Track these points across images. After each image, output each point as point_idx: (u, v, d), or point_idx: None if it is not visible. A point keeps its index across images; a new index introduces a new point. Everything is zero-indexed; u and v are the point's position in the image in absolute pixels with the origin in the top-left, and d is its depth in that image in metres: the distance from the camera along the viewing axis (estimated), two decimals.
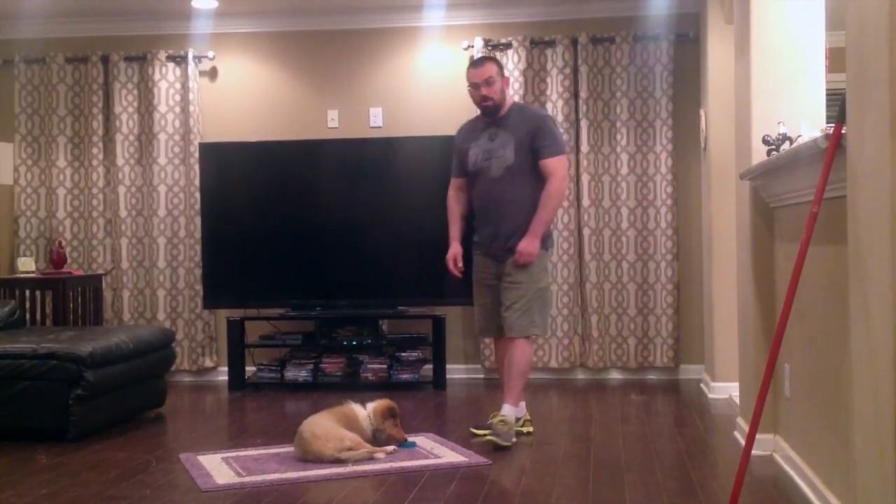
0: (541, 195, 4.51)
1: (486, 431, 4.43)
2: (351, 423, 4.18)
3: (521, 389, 4.59)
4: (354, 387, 6.04)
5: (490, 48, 6.45)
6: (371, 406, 4.30)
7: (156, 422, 5.30)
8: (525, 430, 4.63)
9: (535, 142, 4.53)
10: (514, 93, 6.41)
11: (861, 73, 2.44)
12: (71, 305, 6.23)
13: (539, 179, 4.54)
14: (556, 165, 4.52)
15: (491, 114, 4.65)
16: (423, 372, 6.25)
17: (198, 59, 6.67)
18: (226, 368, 6.42)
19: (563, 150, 4.65)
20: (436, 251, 6.16)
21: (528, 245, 4.48)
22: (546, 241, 4.63)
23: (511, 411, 4.49)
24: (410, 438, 4.44)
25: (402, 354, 6.28)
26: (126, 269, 6.67)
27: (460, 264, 4.78)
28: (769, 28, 4.10)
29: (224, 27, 6.66)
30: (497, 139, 4.60)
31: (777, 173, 3.69)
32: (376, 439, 4.24)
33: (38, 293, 6.30)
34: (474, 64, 4.74)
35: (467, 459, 4.12)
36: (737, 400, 4.90)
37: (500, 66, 4.71)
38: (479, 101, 4.66)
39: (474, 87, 4.63)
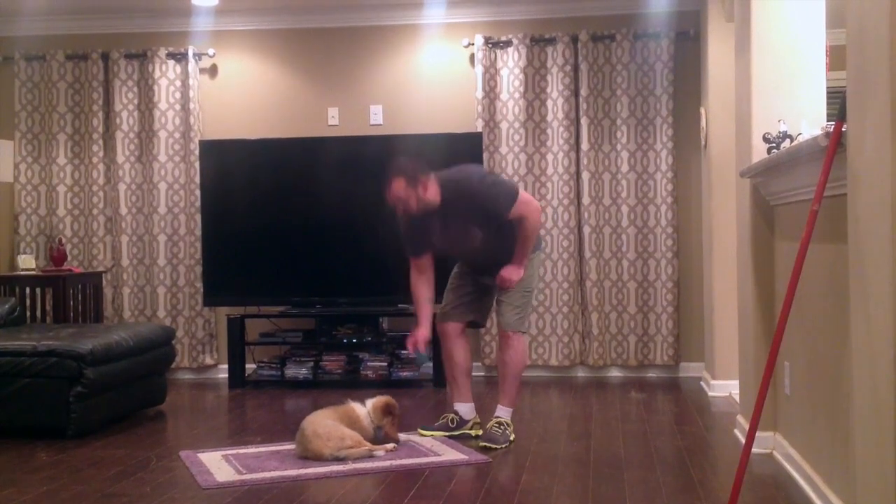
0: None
1: (435, 433, 4.47)
2: (353, 423, 4.18)
3: (518, 388, 4.57)
4: (355, 384, 6.05)
5: (490, 46, 6.45)
6: (370, 403, 4.30)
7: (156, 419, 5.30)
8: (474, 433, 4.55)
9: (489, 212, 4.34)
10: (514, 91, 6.42)
11: (861, 71, 2.44)
12: (71, 303, 6.24)
13: (513, 225, 4.38)
14: (521, 208, 4.34)
15: (424, 211, 4.38)
16: (423, 369, 6.25)
17: (198, 56, 6.67)
18: (226, 366, 6.42)
19: (514, 191, 4.42)
20: None
21: (511, 273, 4.41)
22: (534, 247, 4.54)
23: (507, 413, 4.49)
24: (411, 436, 4.45)
25: (403, 352, 6.27)
26: (126, 266, 6.67)
27: (422, 349, 4.52)
28: (769, 26, 4.09)
29: (224, 24, 6.66)
30: (454, 226, 4.40)
31: (777, 171, 3.69)
32: (377, 437, 4.24)
33: (38, 290, 6.30)
34: (386, 179, 4.35)
35: (467, 457, 4.12)
36: (737, 397, 4.90)
37: (409, 177, 4.30)
38: (399, 213, 4.43)
39: (390, 203, 4.40)
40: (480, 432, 4.53)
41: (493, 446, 4.28)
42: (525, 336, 4.64)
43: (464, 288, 4.61)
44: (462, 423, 4.56)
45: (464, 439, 4.46)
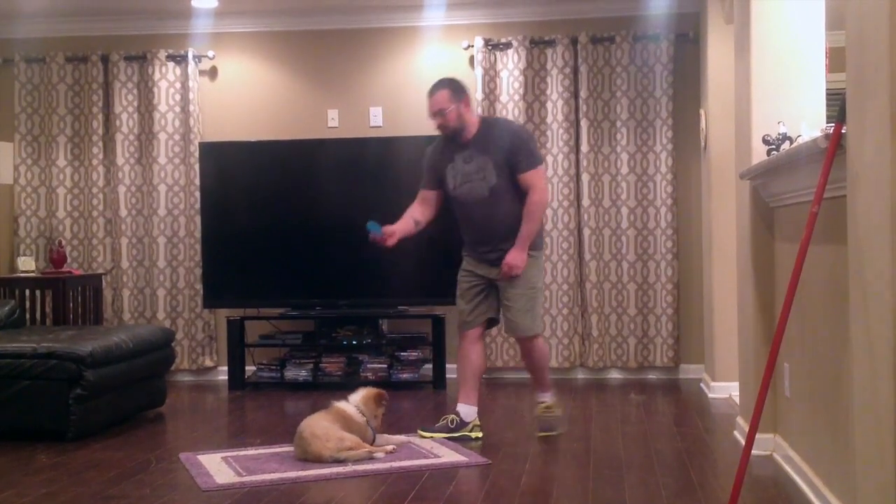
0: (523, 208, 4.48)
1: (435, 434, 4.50)
2: (347, 422, 4.17)
3: (547, 376, 4.77)
4: (354, 386, 5.99)
5: (490, 48, 6.45)
6: (358, 397, 4.26)
7: (156, 421, 5.30)
8: (473, 435, 4.57)
9: (511, 158, 4.46)
10: (513, 93, 6.42)
11: (861, 73, 2.44)
12: (71, 305, 6.23)
13: (521, 192, 4.49)
14: (535, 178, 4.47)
15: (453, 138, 4.57)
16: (423, 371, 6.25)
17: (198, 58, 6.67)
18: (226, 368, 6.42)
19: (540, 160, 4.60)
20: (435, 251, 6.19)
21: (514, 258, 4.46)
22: (535, 245, 4.58)
23: (549, 397, 4.69)
24: (410, 437, 4.46)
25: (402, 354, 6.28)
26: (126, 268, 6.67)
27: (389, 239, 4.57)
28: (769, 28, 4.09)
29: (224, 27, 6.66)
30: (473, 162, 4.51)
31: (777, 173, 3.69)
32: (372, 431, 4.22)
33: (37, 293, 6.30)
34: (429, 92, 4.57)
35: (467, 459, 4.12)
36: (737, 399, 4.90)
37: (454, 90, 4.51)
38: (436, 127, 4.63)
39: (431, 116, 4.58)
40: (480, 434, 4.56)
41: (552, 433, 4.49)
42: (539, 336, 4.68)
43: (473, 290, 4.64)
44: (462, 424, 4.56)
45: (464, 441, 4.46)
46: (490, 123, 4.69)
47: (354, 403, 4.24)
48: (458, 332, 4.71)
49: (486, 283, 4.62)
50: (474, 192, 4.52)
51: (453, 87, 4.53)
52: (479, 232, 4.59)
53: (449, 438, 4.47)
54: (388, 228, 4.57)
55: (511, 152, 4.46)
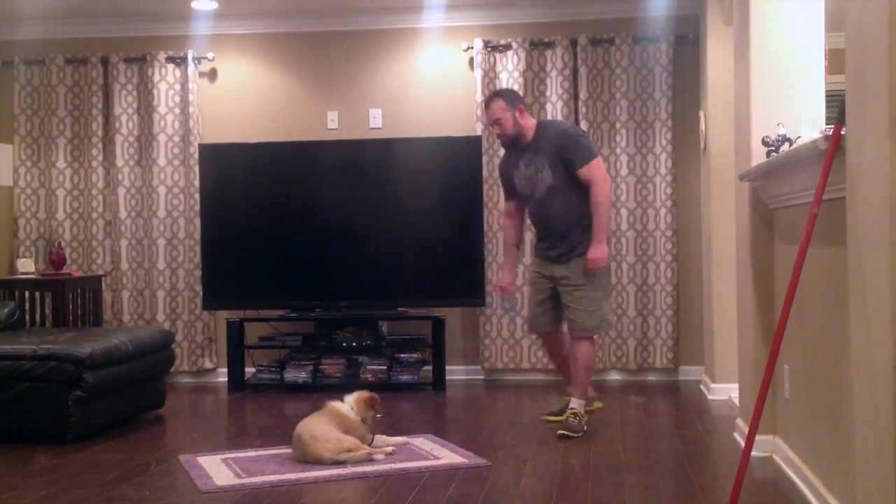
0: (584, 203, 4.67)
1: (559, 418, 4.73)
2: (342, 420, 4.17)
3: (587, 383, 4.81)
4: (354, 388, 6.01)
5: (489, 49, 6.46)
6: (352, 398, 4.27)
7: (155, 423, 5.30)
8: (595, 406, 5.01)
9: (565, 157, 4.67)
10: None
11: (860, 75, 2.44)
12: (70, 307, 6.23)
13: (580, 188, 4.69)
14: (592, 171, 4.67)
15: (513, 145, 4.82)
16: (423, 373, 6.24)
17: (197, 60, 6.67)
18: (225, 370, 6.42)
19: (594, 154, 4.76)
20: (435, 252, 6.20)
21: (596, 251, 4.63)
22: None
23: (579, 405, 4.70)
24: (410, 438, 4.47)
25: (402, 356, 6.28)
26: (125, 270, 6.67)
27: (511, 295, 5.08)
28: (769, 29, 4.09)
29: (224, 28, 6.66)
30: (532, 165, 4.75)
31: (776, 175, 3.69)
32: (367, 432, 4.22)
33: (37, 294, 6.30)
34: (484, 103, 4.82)
35: (467, 461, 4.12)
36: (736, 401, 4.90)
37: (509, 99, 4.75)
38: (496, 136, 4.91)
39: (489, 125, 4.84)
40: (600, 405, 5.08)
41: (572, 434, 4.54)
42: (593, 339, 4.83)
43: (536, 296, 4.88)
44: (581, 417, 4.72)
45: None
46: (543, 126, 4.85)
47: (349, 403, 4.24)
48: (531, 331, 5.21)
49: (550, 291, 4.81)
50: (536, 192, 4.77)
51: (507, 97, 4.77)
52: (541, 230, 4.88)
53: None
54: (507, 284, 5.01)
55: (563, 151, 4.67)
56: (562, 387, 5.20)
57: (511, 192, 4.94)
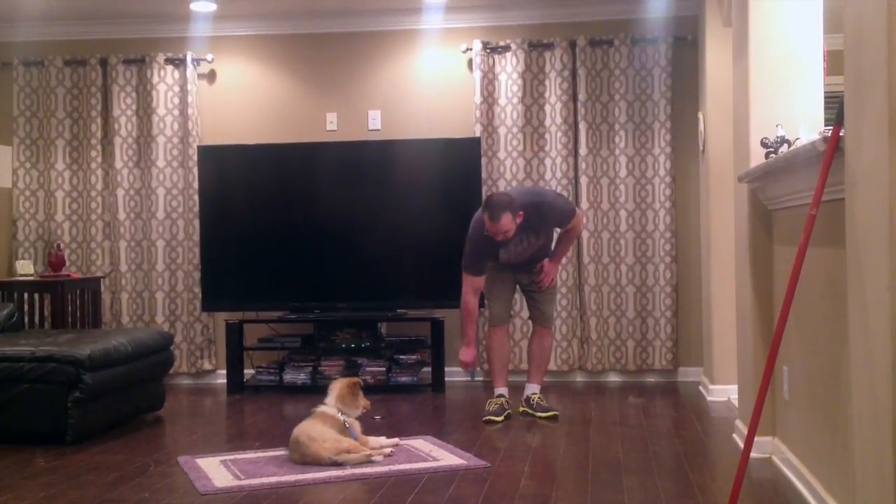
0: (552, 237, 5.28)
1: (547, 414, 5.13)
2: (336, 424, 4.15)
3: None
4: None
5: (488, 51, 6.46)
6: (331, 398, 4.22)
7: (154, 425, 5.30)
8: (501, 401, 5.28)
9: (555, 224, 5.19)
10: (512, 96, 6.43)
11: (859, 76, 2.45)
12: (69, 308, 6.23)
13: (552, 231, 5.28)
14: (576, 221, 5.23)
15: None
16: (422, 375, 6.25)
17: (196, 61, 6.67)
18: (224, 371, 6.42)
19: (573, 207, 5.32)
20: (434, 254, 6.20)
21: (553, 271, 5.30)
22: None
23: (539, 388, 5.30)
24: (409, 441, 4.45)
25: (401, 357, 6.28)
26: (125, 271, 6.66)
27: (475, 365, 5.29)
28: (767, 31, 4.10)
29: (223, 30, 6.67)
30: (524, 242, 5.10)
31: (775, 176, 3.70)
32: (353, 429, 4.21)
33: (36, 296, 6.30)
34: (490, 218, 4.89)
35: (466, 462, 4.12)
36: (735, 402, 4.90)
37: (513, 211, 4.91)
38: (498, 240, 5.04)
39: (496, 237, 4.96)
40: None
41: (554, 412, 5.11)
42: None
43: (505, 294, 5.32)
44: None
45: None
46: (532, 211, 5.00)
47: (332, 405, 4.22)
48: (492, 327, 5.37)
49: (513, 283, 5.32)
50: (524, 255, 5.17)
51: (512, 209, 4.93)
52: (520, 265, 5.24)
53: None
54: (473, 360, 5.19)
55: (553, 222, 5.19)
56: (491, 387, 5.40)
57: (484, 268, 5.14)
